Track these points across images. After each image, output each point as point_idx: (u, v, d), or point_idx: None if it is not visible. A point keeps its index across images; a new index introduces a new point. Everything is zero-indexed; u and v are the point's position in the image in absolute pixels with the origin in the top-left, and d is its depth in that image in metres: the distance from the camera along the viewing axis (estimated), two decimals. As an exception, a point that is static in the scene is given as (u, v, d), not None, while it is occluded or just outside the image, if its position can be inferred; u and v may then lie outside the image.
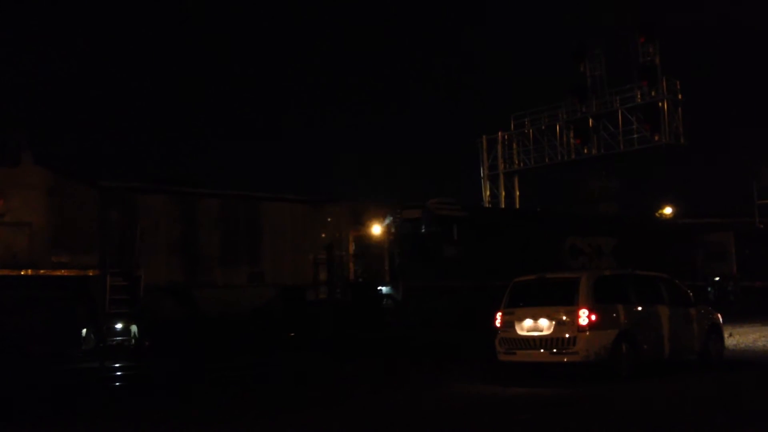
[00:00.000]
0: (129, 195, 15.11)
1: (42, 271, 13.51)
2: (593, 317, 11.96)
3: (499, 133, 36.62)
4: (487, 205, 26.29)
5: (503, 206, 35.38)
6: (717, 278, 29.05)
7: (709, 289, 28.23)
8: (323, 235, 17.44)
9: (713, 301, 26.36)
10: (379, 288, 19.12)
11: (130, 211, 14.86)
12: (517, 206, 35.88)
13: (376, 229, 19.18)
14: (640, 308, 12.88)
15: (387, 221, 19.60)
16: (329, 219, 17.80)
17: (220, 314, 15.67)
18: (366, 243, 18.63)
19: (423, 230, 20.18)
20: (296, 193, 18.45)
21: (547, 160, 35.05)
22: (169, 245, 15.45)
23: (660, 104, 30.99)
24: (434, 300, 18.12)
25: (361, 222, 18.75)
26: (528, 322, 12.47)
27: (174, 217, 15.55)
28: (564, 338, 12.03)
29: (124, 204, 15.03)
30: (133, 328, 16.18)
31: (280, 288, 16.82)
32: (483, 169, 37.05)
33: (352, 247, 18.29)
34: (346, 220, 18.32)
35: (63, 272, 13.77)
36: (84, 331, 15.18)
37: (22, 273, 13.30)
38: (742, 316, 24.43)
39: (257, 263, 16.45)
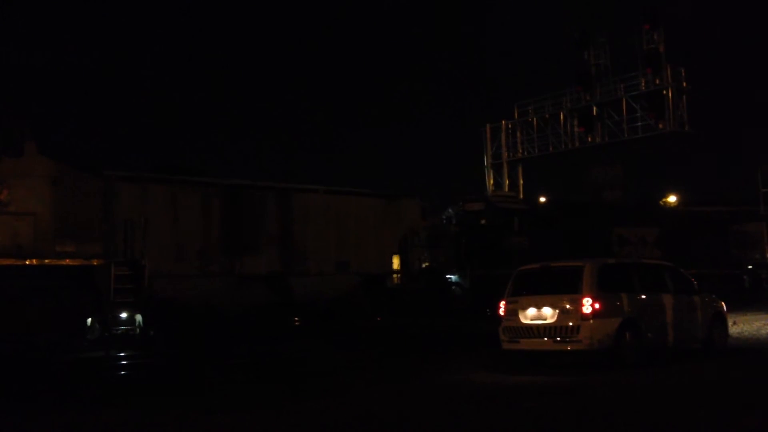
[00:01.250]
0: (134, 184, 15.25)
1: (47, 261, 13.55)
2: (597, 305, 11.96)
3: (503, 122, 36.51)
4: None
5: (521, 196, 35.48)
6: (750, 266, 29.65)
7: (744, 276, 28.84)
8: (399, 227, 18.61)
9: (749, 288, 27.00)
10: (447, 276, 20.39)
11: (136, 200, 15.05)
12: (521, 195, 35.84)
13: (444, 222, 20.80)
14: (643, 296, 12.87)
15: (452, 214, 21.19)
16: (404, 212, 18.99)
17: (311, 300, 16.96)
18: (435, 234, 19.82)
19: (486, 222, 21.53)
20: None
21: (551, 148, 34.94)
22: (263, 237, 16.50)
23: (664, 92, 30.83)
24: (498, 287, 19.75)
25: (430, 214, 20.17)
26: (532, 311, 12.48)
27: (273, 211, 16.66)
28: (568, 326, 12.04)
29: (130, 193, 15.15)
30: (138, 317, 16.24)
31: (364, 276, 17.93)
32: (486, 158, 36.97)
33: (423, 238, 19.43)
34: (418, 213, 19.47)
35: (67, 262, 13.82)
36: (89, 320, 15.24)
37: (27, 263, 13.35)
38: (747, 304, 24.44)
39: (343, 253, 17.70)
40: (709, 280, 25.48)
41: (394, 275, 18.91)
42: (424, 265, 19.57)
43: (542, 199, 33.67)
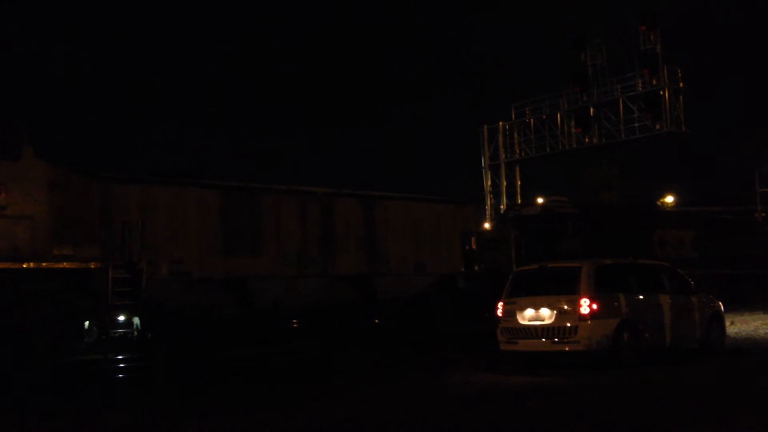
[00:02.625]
0: (133, 188, 15.21)
1: (44, 264, 13.52)
2: (594, 306, 11.98)
3: (500, 123, 36.55)
4: (563, 200, 28.40)
5: (518, 196, 35.62)
6: None
7: None
8: (466, 230, 19.89)
9: None
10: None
11: (136, 204, 15.07)
12: (519, 196, 35.91)
13: (504, 225, 22.06)
14: (641, 297, 12.89)
15: (510, 217, 22.69)
16: (470, 217, 20.35)
17: (393, 299, 17.86)
18: (497, 237, 21.15)
19: (542, 225, 22.87)
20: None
21: (548, 149, 35.00)
22: (351, 240, 17.67)
23: (661, 92, 30.92)
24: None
25: (492, 218, 22.11)
26: (529, 312, 12.49)
27: (359, 217, 17.91)
28: (565, 327, 12.05)
29: (130, 197, 15.07)
30: (136, 320, 16.22)
31: (438, 276, 18.87)
32: (484, 159, 37.01)
33: (486, 240, 20.65)
34: (482, 216, 21.43)
35: (65, 265, 13.78)
36: (86, 323, 15.22)
37: (24, 266, 13.31)
38: (744, 304, 24.50)
39: (419, 255, 18.68)
40: (743, 280, 26.82)
41: (465, 275, 19.99)
42: (488, 267, 20.69)
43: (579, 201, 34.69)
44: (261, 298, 15.87)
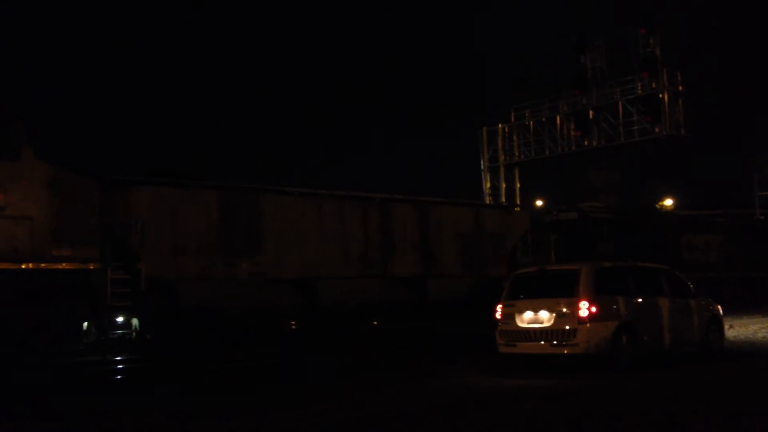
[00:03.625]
0: (129, 187, 15.24)
1: (43, 265, 13.51)
2: (593, 309, 11.98)
3: (500, 125, 36.54)
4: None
5: (517, 199, 35.67)
6: None
7: None
8: (512, 235, 20.99)
9: None
10: None
11: (132, 204, 15.13)
12: (518, 199, 35.92)
13: (544, 229, 23.21)
14: (640, 300, 12.89)
15: (548, 221, 23.73)
16: (516, 222, 21.53)
17: (443, 299, 18.64)
18: (537, 240, 22.34)
19: (578, 229, 24.09)
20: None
21: (547, 152, 34.96)
22: (407, 244, 18.58)
23: (661, 96, 30.87)
24: None
25: (532, 223, 22.54)
26: (528, 314, 12.49)
27: (414, 222, 18.88)
28: (564, 330, 12.05)
29: (126, 197, 15.10)
30: (135, 321, 16.21)
31: (485, 278, 19.70)
32: (483, 161, 36.98)
33: (530, 244, 21.87)
34: (527, 222, 22.10)
35: (64, 266, 13.77)
36: (85, 324, 15.20)
37: (23, 267, 13.31)
38: (743, 307, 24.52)
39: (468, 258, 19.49)
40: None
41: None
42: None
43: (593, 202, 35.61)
44: (326, 297, 16.77)
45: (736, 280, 27.52)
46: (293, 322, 18.16)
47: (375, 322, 19.12)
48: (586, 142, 33.51)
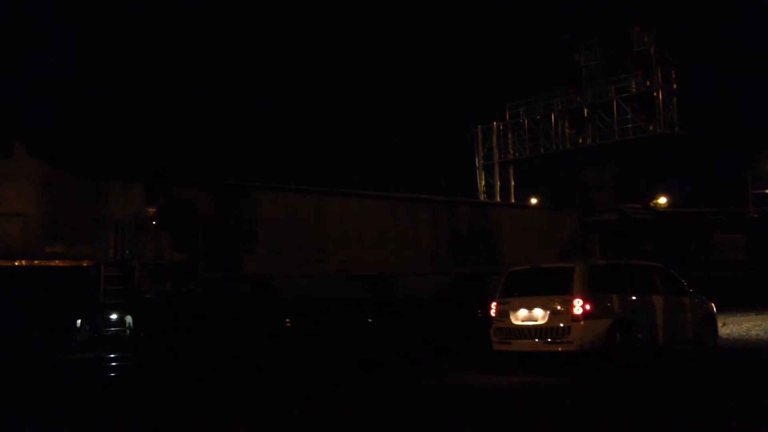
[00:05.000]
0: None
1: (36, 262, 13.48)
2: (587, 306, 11.99)
3: (494, 123, 36.55)
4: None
5: (511, 196, 35.82)
6: None
7: None
8: (563, 234, 22.37)
9: None
10: None
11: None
12: (512, 196, 35.96)
13: (587, 229, 24.33)
14: (634, 297, 12.91)
15: (591, 222, 24.80)
16: (567, 222, 22.89)
17: None
18: (582, 239, 23.40)
19: (620, 229, 25.38)
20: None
21: (542, 149, 34.99)
22: (472, 244, 19.90)
23: (655, 94, 30.92)
24: None
25: (578, 223, 23.93)
26: (523, 312, 12.49)
27: (477, 223, 20.36)
28: (558, 327, 12.06)
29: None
30: (128, 318, 16.17)
31: None
32: (478, 159, 36.99)
33: (578, 243, 22.96)
34: (576, 223, 23.41)
35: (57, 263, 13.74)
36: (78, 321, 15.16)
37: (16, 263, 13.27)
38: (736, 305, 24.61)
39: (524, 256, 19.60)
40: None
41: None
42: None
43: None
44: (401, 293, 18.06)
45: (765, 278, 28.93)
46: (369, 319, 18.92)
47: (369, 320, 19.09)
48: (580, 140, 33.55)
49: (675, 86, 31.18)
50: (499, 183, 36.14)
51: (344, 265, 17.36)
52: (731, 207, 38.99)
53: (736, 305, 24.62)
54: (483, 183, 36.62)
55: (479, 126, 37.13)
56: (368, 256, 17.67)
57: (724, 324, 18.58)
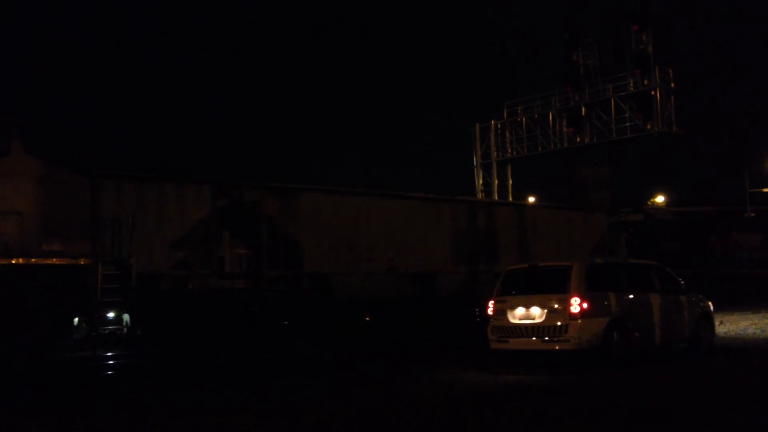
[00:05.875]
0: (128, 184, 15.55)
1: (33, 260, 13.45)
2: (585, 305, 12.00)
3: (492, 122, 36.55)
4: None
5: (509, 195, 35.88)
6: None
7: None
8: (594, 234, 23.10)
9: None
10: None
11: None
12: (510, 195, 35.98)
13: (616, 229, 25.06)
14: (631, 296, 12.92)
15: (615, 222, 25.30)
16: (597, 223, 23.61)
17: None
18: (611, 239, 24.11)
19: (644, 229, 26.19)
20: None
21: (539, 148, 35.00)
22: (508, 243, 20.56)
23: (653, 92, 30.93)
24: None
25: (607, 223, 24.79)
26: (520, 310, 12.50)
27: (514, 223, 21.10)
28: (556, 326, 12.07)
29: (120, 193, 15.33)
30: (125, 316, 16.15)
31: None
32: (476, 158, 37.00)
33: (607, 243, 23.53)
34: (605, 223, 24.13)
35: (54, 261, 13.71)
36: (75, 319, 15.13)
37: (13, 262, 13.25)
38: (733, 304, 24.65)
39: (557, 255, 20.39)
40: None
41: None
42: None
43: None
44: (443, 290, 18.78)
45: None
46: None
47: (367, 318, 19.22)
48: (578, 139, 33.56)
49: (673, 85, 31.20)
50: (497, 181, 36.16)
51: (392, 263, 18.24)
52: (729, 206, 39.06)
53: (755, 303, 25.29)
54: (481, 181, 36.63)
55: (477, 124, 37.14)
56: (413, 254, 18.53)
57: (721, 322, 18.61)
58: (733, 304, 24.64)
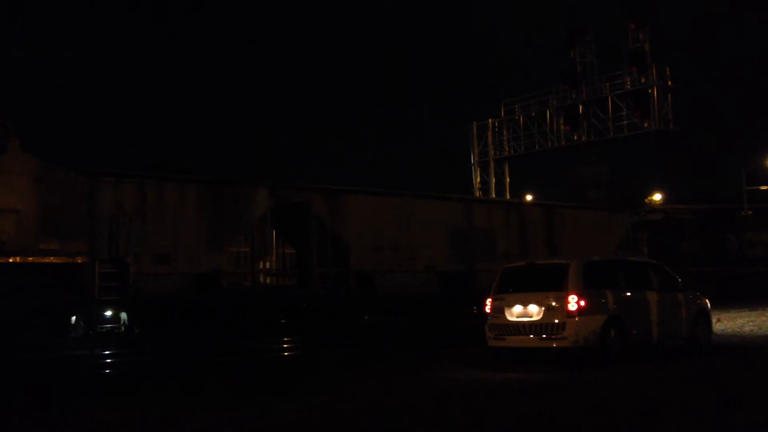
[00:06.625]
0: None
1: (30, 259, 13.45)
2: (582, 303, 12.01)
3: (490, 120, 36.58)
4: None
5: (506, 193, 35.99)
6: None
7: None
8: (617, 233, 23.98)
9: None
10: None
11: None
12: (508, 193, 36.01)
13: (636, 228, 25.89)
14: (628, 294, 12.93)
15: (636, 222, 26.09)
16: (620, 222, 24.50)
17: None
18: (633, 238, 25.06)
19: (664, 229, 27.14)
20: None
21: (537, 146, 35.05)
22: (538, 242, 21.56)
23: (650, 90, 30.99)
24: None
25: (630, 223, 25.74)
26: (518, 308, 12.50)
27: (543, 222, 22.03)
28: (553, 324, 12.08)
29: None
30: (123, 315, 16.15)
31: None
32: (473, 156, 37.03)
33: (630, 242, 24.58)
34: (629, 223, 25.16)
35: (51, 259, 13.71)
36: (73, 318, 15.13)
37: (10, 260, 13.24)
38: (731, 301, 24.70)
39: (584, 252, 21.12)
40: None
41: None
42: None
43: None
44: (478, 287, 18.54)
45: None
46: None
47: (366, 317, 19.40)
48: (575, 137, 33.60)
49: (670, 83, 31.25)
50: (494, 179, 36.19)
51: (431, 261, 19.03)
52: (726, 204, 39.12)
53: (754, 301, 25.61)
54: (478, 180, 36.66)
55: (475, 123, 37.19)
56: (450, 253, 19.32)
57: (718, 320, 18.63)
58: (730, 301, 24.72)
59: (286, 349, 16.32)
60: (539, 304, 12.26)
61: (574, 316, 11.97)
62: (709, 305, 14.72)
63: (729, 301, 25.17)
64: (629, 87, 31.72)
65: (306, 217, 17.26)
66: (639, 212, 29.43)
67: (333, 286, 17.62)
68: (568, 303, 12.01)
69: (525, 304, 12.42)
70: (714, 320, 15.90)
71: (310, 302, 17.26)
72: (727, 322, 19.47)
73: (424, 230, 19.16)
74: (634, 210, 29.12)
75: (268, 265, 17.60)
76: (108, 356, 15.26)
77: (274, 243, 17.48)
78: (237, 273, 16.53)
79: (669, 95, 31.30)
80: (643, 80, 31.21)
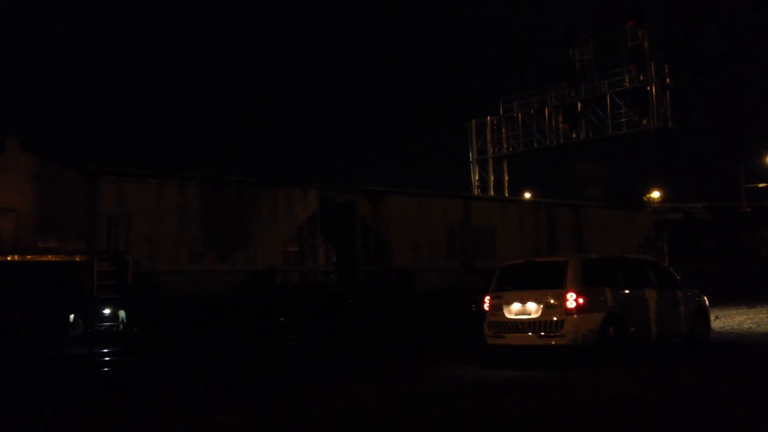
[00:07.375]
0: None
1: (29, 257, 13.43)
2: (581, 300, 12.01)
3: (488, 118, 36.55)
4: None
5: (505, 191, 35.98)
6: None
7: None
8: (639, 231, 24.65)
9: None
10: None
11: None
12: (506, 191, 36.01)
13: (657, 227, 26.10)
14: (627, 291, 12.94)
15: (656, 221, 26.26)
16: (642, 220, 25.24)
17: None
18: (654, 237, 25.62)
19: (684, 228, 27.64)
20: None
21: (535, 144, 35.02)
22: (566, 240, 22.12)
23: (648, 88, 30.96)
24: (698, 279, 23.07)
25: (652, 222, 26.21)
26: (516, 306, 12.51)
27: (570, 222, 22.73)
28: (552, 321, 12.08)
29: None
30: (121, 313, 16.16)
31: None
32: (472, 154, 37.01)
33: (651, 239, 25.15)
34: (650, 221, 25.69)
35: (50, 258, 13.69)
36: (72, 316, 15.13)
37: (9, 259, 13.22)
38: (729, 299, 24.75)
39: (610, 250, 21.71)
40: None
41: None
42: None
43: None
44: None
45: None
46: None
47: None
48: (574, 135, 33.57)
49: (668, 81, 31.23)
50: (492, 177, 36.18)
51: (468, 259, 19.64)
52: (724, 201, 39.14)
53: (752, 298, 25.95)
54: (477, 177, 36.64)
55: (473, 120, 37.15)
56: (486, 251, 19.89)
57: (716, 317, 18.66)
58: (728, 298, 24.78)
59: (288, 351, 16.32)
60: (538, 302, 12.26)
61: (573, 314, 11.97)
62: (707, 303, 14.74)
63: (743, 297, 26.26)
64: (628, 85, 31.69)
65: (351, 217, 18.02)
66: (659, 212, 30.11)
67: (375, 283, 18.33)
68: (567, 300, 12.02)
69: (524, 302, 12.42)
70: (712, 317, 15.92)
71: (355, 298, 18.08)
72: (725, 320, 19.50)
73: (463, 229, 19.75)
74: (656, 209, 29.85)
75: (314, 263, 17.99)
76: (106, 354, 15.27)
77: (324, 242, 17.93)
78: (288, 270, 16.79)
79: (668, 93, 31.28)
80: (641, 78, 31.18)
